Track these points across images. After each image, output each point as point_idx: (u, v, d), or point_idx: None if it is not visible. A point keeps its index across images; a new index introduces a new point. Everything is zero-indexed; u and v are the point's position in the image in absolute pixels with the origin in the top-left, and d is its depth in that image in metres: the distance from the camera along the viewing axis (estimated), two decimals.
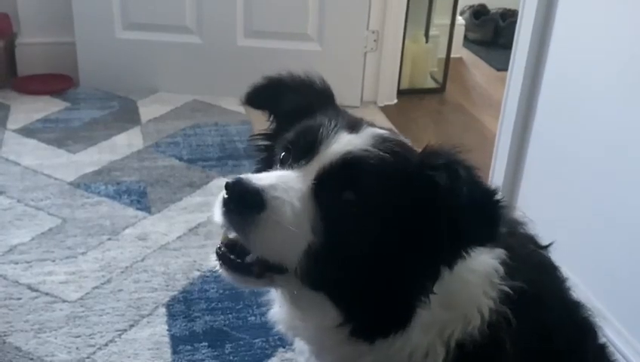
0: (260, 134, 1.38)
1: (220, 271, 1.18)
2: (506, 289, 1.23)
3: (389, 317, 1.17)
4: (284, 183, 1.12)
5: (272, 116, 1.38)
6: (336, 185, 1.13)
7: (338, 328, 1.19)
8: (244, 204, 1.09)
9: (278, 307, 1.34)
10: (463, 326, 1.21)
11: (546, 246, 1.38)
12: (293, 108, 1.31)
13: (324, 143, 1.17)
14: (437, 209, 1.09)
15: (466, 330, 1.21)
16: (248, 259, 1.16)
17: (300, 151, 1.19)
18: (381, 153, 1.14)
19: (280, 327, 1.37)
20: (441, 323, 1.21)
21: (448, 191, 1.08)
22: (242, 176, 1.12)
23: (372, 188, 1.12)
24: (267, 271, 1.17)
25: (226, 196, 1.11)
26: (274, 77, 1.36)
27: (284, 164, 1.21)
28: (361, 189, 1.12)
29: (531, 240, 1.38)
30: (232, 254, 1.18)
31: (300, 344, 1.41)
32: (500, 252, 1.26)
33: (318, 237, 1.12)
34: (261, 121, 1.44)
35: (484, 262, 1.24)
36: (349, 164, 1.14)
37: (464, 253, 1.13)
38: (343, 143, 1.16)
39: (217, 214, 1.13)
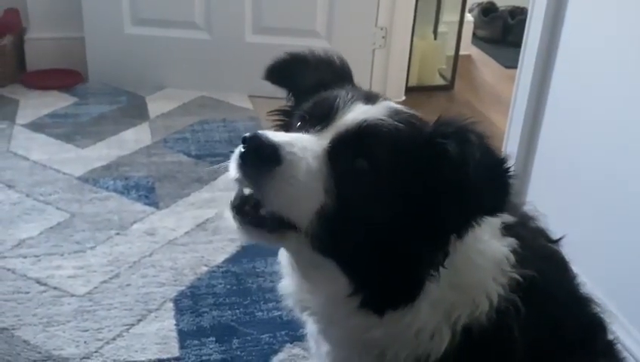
0: (277, 110, 1.39)
1: (234, 223, 1.18)
2: (517, 277, 1.23)
3: (399, 288, 1.17)
4: (300, 143, 1.14)
5: (290, 93, 1.39)
6: (350, 151, 1.14)
7: (347, 299, 1.19)
8: (260, 157, 1.10)
9: (287, 279, 1.35)
10: (470, 310, 1.21)
11: (557, 241, 1.38)
12: (312, 85, 1.32)
13: (341, 112, 1.18)
14: (447, 177, 1.10)
15: (473, 315, 1.21)
16: (262, 211, 1.16)
17: (316, 119, 1.20)
18: (395, 123, 1.16)
19: (289, 302, 1.37)
20: (449, 303, 1.21)
21: (458, 158, 1.09)
22: (259, 131, 1.13)
23: (385, 156, 1.13)
24: (280, 226, 1.17)
25: (242, 150, 1.12)
26: (295, 53, 1.38)
27: (299, 130, 1.22)
28: (374, 156, 1.13)
29: (542, 233, 1.38)
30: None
31: (308, 323, 1.41)
32: (512, 241, 1.26)
33: (330, 200, 1.13)
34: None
35: (495, 249, 1.24)
36: (363, 131, 1.15)
37: (473, 222, 1.13)
38: (358, 112, 1.18)
39: (233, 168, 1.14)
